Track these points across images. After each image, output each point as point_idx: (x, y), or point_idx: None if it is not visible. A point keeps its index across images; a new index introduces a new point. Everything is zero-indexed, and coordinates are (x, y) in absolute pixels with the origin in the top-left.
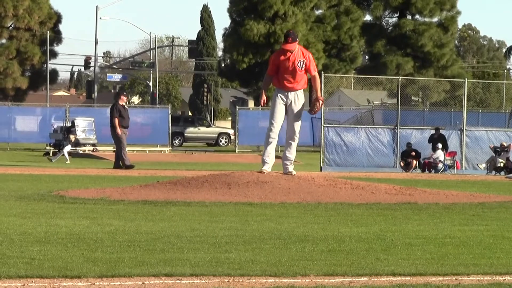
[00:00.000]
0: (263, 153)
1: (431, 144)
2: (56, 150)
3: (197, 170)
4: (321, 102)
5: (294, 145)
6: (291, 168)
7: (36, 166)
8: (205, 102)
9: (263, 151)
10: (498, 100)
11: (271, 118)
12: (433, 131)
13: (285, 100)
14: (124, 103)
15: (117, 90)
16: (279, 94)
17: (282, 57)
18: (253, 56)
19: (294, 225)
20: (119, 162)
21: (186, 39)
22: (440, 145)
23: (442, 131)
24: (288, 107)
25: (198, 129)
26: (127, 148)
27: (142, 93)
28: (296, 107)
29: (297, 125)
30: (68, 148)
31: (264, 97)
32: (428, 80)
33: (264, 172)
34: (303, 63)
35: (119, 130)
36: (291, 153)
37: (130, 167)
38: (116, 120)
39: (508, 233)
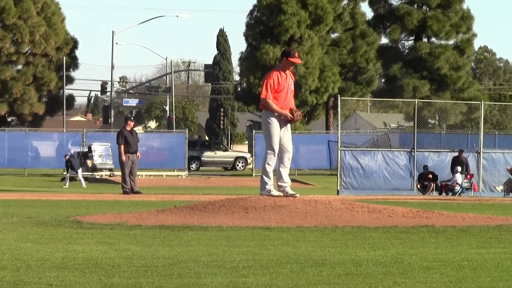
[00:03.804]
0: (269, 180)
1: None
2: (65, 174)
3: (214, 195)
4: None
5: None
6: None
7: (53, 192)
8: (221, 126)
9: (266, 178)
10: None
11: (274, 144)
12: (456, 154)
13: (282, 125)
14: (131, 128)
15: (127, 115)
16: (277, 119)
17: (281, 78)
18: None
19: (311, 249)
20: (134, 187)
21: (202, 64)
22: (459, 168)
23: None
24: (283, 132)
25: (215, 153)
26: (143, 173)
27: (158, 117)
28: (288, 129)
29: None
30: (80, 172)
31: (288, 113)
32: (444, 103)
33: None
34: (293, 83)
35: (123, 157)
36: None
37: (126, 193)
38: (122, 147)
39: None
